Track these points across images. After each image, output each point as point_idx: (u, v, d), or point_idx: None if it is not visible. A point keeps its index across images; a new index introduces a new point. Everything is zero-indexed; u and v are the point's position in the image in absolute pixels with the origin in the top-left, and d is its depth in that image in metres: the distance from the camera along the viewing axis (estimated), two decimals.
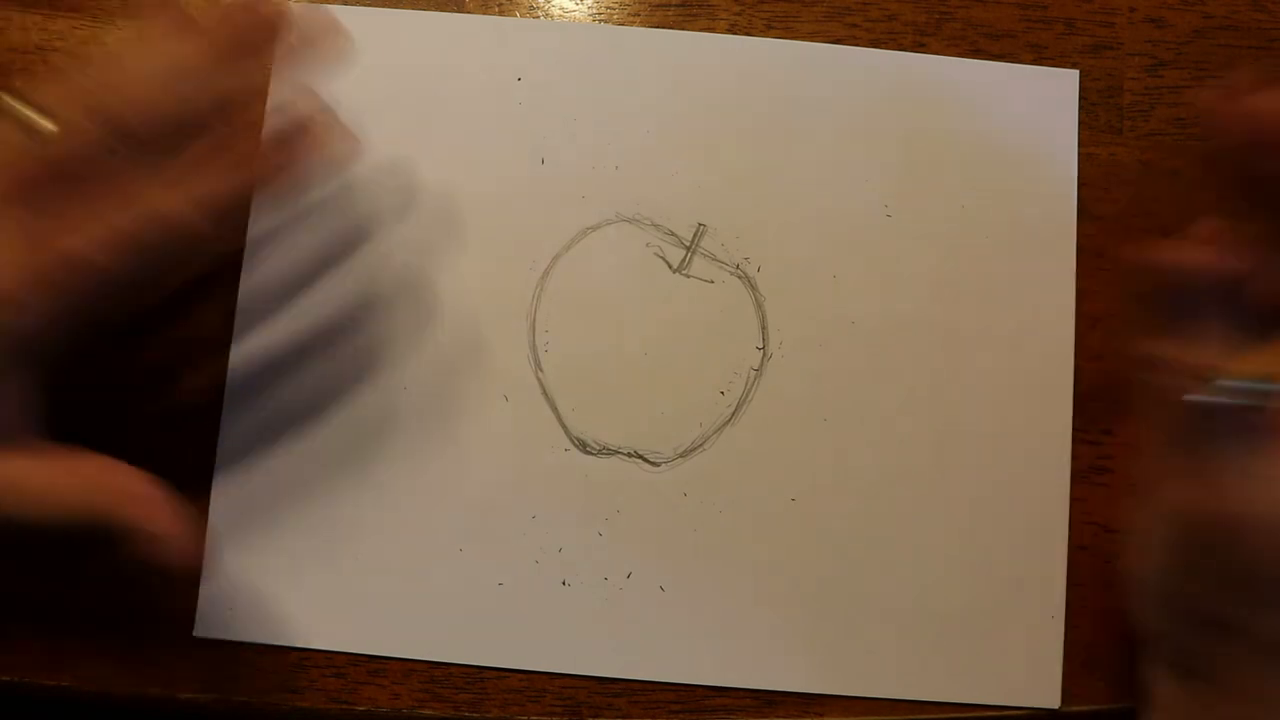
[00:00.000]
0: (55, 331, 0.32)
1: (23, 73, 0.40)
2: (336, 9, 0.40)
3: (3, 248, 0.30)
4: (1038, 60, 0.40)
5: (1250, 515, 0.30)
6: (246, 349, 0.38)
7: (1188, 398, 0.30)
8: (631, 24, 0.41)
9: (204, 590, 0.37)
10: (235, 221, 0.32)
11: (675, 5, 0.41)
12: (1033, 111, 0.40)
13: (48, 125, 0.30)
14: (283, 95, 0.38)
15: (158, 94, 0.31)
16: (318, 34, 0.33)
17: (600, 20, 0.41)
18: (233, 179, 0.31)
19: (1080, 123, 0.40)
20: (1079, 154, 0.40)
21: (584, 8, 0.41)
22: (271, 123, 0.36)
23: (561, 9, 0.41)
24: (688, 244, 0.39)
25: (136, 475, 0.33)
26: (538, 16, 0.41)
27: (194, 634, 0.37)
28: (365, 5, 0.40)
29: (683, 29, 0.40)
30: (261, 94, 0.38)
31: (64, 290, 0.31)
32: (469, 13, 0.40)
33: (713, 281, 0.39)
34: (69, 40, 0.40)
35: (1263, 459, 0.30)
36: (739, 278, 0.39)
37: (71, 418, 0.35)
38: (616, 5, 0.41)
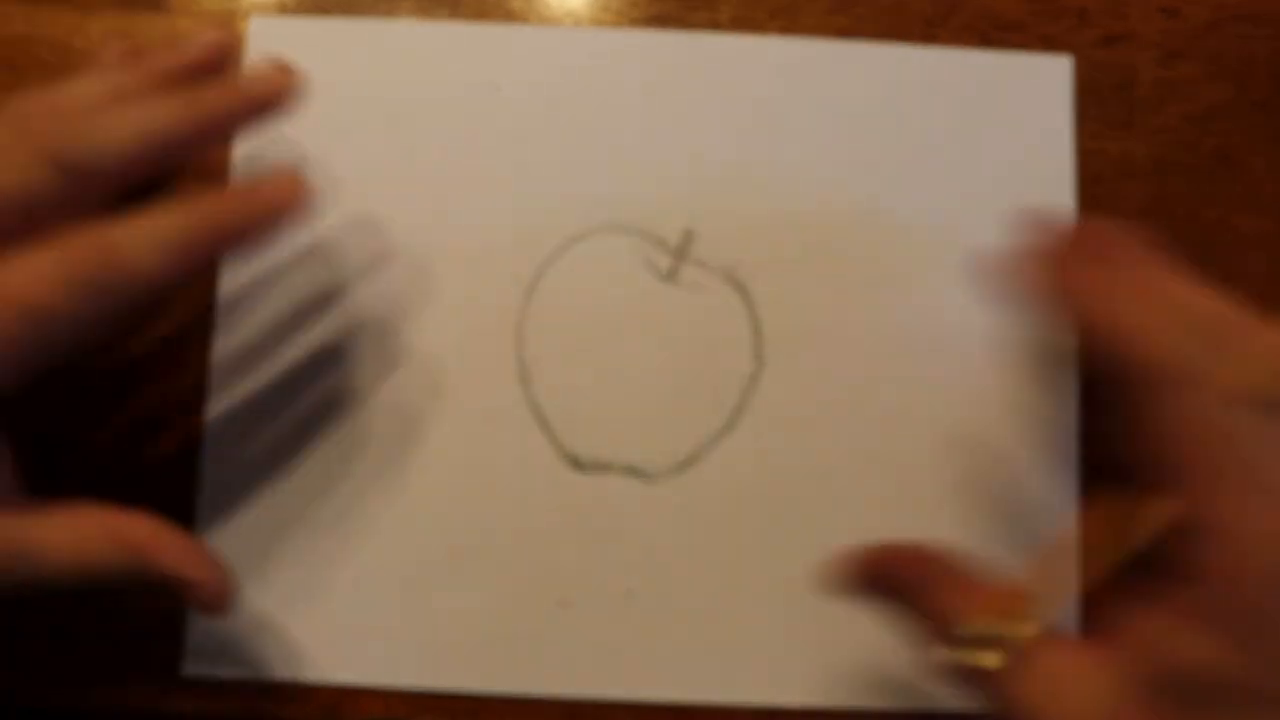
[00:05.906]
0: (12, 381, 0.30)
1: (4, 63, 0.39)
2: (318, 20, 0.39)
3: None
4: (1048, 51, 0.40)
5: None
6: (227, 374, 0.38)
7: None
8: (632, 14, 0.40)
9: (191, 628, 0.37)
10: (194, 266, 0.32)
11: None
12: (1026, 100, 0.40)
13: None
14: (250, 144, 0.38)
15: (116, 138, 0.31)
16: (271, 82, 0.34)
17: (599, 18, 0.40)
18: (191, 222, 0.31)
19: (1091, 116, 0.40)
20: (1090, 148, 0.39)
21: (584, 6, 0.40)
22: (239, 172, 0.36)
23: (550, 8, 0.40)
24: (677, 251, 0.39)
25: (154, 523, 0.32)
26: (527, 20, 0.40)
27: (182, 673, 0.37)
28: (349, 16, 0.39)
29: (685, 20, 0.40)
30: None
31: (18, 338, 0.30)
32: (451, 19, 0.40)
33: (704, 288, 0.38)
34: (54, 30, 0.39)
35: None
36: (731, 283, 0.38)
37: (50, 465, 0.34)
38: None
